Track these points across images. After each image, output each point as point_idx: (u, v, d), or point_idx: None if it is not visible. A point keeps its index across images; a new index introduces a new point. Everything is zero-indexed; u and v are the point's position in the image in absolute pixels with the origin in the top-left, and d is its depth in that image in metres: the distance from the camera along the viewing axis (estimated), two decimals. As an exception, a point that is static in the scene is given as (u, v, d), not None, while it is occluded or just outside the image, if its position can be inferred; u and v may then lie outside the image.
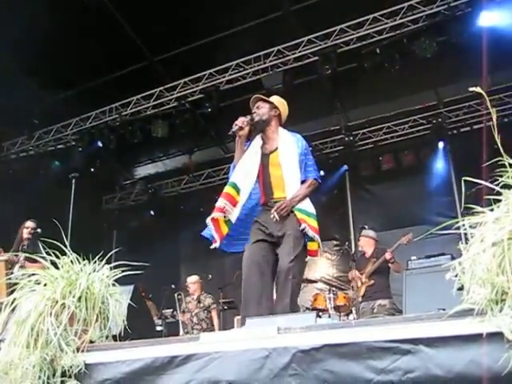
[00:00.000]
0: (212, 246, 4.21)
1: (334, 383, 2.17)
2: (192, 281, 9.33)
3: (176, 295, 9.64)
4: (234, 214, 4.19)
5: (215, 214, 4.13)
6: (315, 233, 4.16)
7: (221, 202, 4.13)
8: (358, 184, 11.78)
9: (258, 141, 4.47)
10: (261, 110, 4.49)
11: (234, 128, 4.31)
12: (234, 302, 9.37)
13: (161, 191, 13.35)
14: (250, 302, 4.00)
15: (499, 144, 2.21)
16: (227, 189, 4.20)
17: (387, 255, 7.65)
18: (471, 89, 2.44)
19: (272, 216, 4.09)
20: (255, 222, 4.30)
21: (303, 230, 4.09)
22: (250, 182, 4.29)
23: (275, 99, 4.62)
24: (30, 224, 6.79)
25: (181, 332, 8.97)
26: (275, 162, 4.34)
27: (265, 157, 4.39)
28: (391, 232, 10.25)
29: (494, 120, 2.25)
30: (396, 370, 2.07)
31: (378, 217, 10.97)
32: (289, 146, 4.37)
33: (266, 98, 4.59)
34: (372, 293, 7.73)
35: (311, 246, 4.20)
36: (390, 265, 7.69)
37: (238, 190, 4.20)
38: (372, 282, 7.74)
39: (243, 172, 4.28)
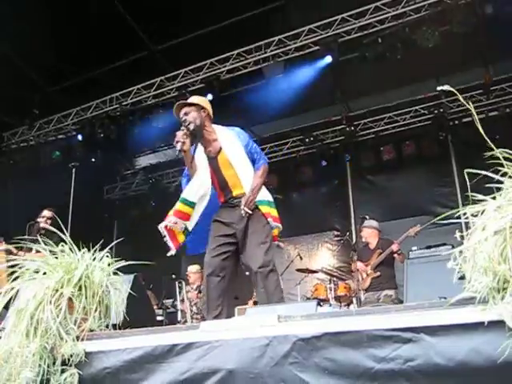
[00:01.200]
0: (168, 254, 4.30)
1: (335, 371, 2.16)
2: (193, 270, 9.35)
3: (177, 283, 9.66)
4: (190, 224, 4.31)
5: (166, 224, 4.26)
6: (277, 222, 4.33)
7: (171, 219, 4.26)
8: (358, 174, 11.77)
9: (200, 148, 4.46)
10: (190, 116, 4.39)
11: (179, 146, 4.23)
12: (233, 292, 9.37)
13: (162, 181, 13.35)
14: (210, 308, 4.17)
15: (485, 136, 2.19)
16: (178, 205, 4.31)
17: (394, 247, 7.65)
18: (439, 88, 2.44)
19: (243, 212, 4.16)
20: (215, 220, 4.38)
21: (269, 223, 4.26)
22: (207, 189, 4.37)
23: (197, 99, 4.54)
24: (45, 213, 6.78)
25: (179, 320, 9.00)
26: (224, 162, 4.35)
27: (212, 160, 4.41)
28: (392, 223, 10.26)
29: (472, 115, 2.23)
30: (397, 358, 2.06)
31: (378, 207, 10.96)
32: (232, 143, 4.38)
33: (190, 102, 4.49)
34: (378, 283, 7.74)
35: (273, 232, 4.33)
36: (395, 256, 7.69)
37: (189, 204, 4.30)
38: (378, 273, 7.74)
39: (196, 183, 4.32)
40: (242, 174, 4.31)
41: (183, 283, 9.57)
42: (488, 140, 2.19)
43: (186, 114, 4.41)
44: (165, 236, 4.26)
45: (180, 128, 4.37)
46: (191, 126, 4.33)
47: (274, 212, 4.34)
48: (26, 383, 2.68)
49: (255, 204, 4.24)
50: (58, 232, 3.23)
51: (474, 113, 2.30)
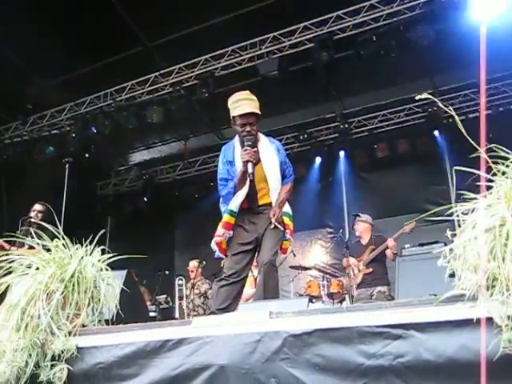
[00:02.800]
0: (222, 264, 4.58)
1: (325, 367, 2.18)
2: (190, 266, 9.40)
3: (177, 280, 9.68)
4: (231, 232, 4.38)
5: (217, 239, 4.31)
6: (290, 235, 4.44)
7: (220, 231, 4.29)
8: (352, 172, 11.80)
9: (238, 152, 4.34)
10: (255, 129, 4.24)
11: (251, 168, 4.12)
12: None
13: (156, 177, 13.33)
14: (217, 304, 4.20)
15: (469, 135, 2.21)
16: (226, 218, 4.30)
17: (390, 243, 7.68)
18: (418, 97, 2.48)
19: (272, 226, 4.18)
20: (238, 226, 4.36)
21: (285, 234, 4.37)
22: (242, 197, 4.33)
23: (256, 105, 4.27)
24: (36, 207, 6.75)
25: (176, 316, 9.02)
26: (260, 175, 4.29)
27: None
28: (385, 220, 10.30)
29: (455, 118, 2.25)
30: (387, 354, 2.08)
31: (372, 204, 10.98)
32: (270, 157, 4.34)
33: (258, 112, 4.25)
34: (371, 280, 7.79)
35: (285, 244, 4.44)
36: (388, 252, 7.71)
37: (234, 214, 4.30)
38: (370, 269, 7.78)
39: (242, 195, 4.27)
40: (273, 188, 4.33)
41: (183, 280, 9.60)
42: (471, 140, 2.21)
43: (251, 124, 4.21)
44: (216, 251, 4.36)
45: (244, 142, 4.19)
46: (255, 140, 4.24)
47: (291, 225, 4.45)
48: (7, 379, 2.69)
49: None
50: (49, 226, 3.23)
51: (456, 116, 2.30)
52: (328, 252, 11.43)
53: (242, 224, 4.34)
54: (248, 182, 4.21)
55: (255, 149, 4.17)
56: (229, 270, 4.27)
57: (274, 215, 4.19)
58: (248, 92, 4.41)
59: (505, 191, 2.07)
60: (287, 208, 4.44)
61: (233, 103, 4.28)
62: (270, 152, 4.35)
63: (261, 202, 4.38)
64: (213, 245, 4.32)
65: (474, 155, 2.19)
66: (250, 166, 4.10)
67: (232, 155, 4.36)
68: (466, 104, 10.37)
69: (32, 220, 6.54)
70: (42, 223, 3.29)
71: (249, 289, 7.83)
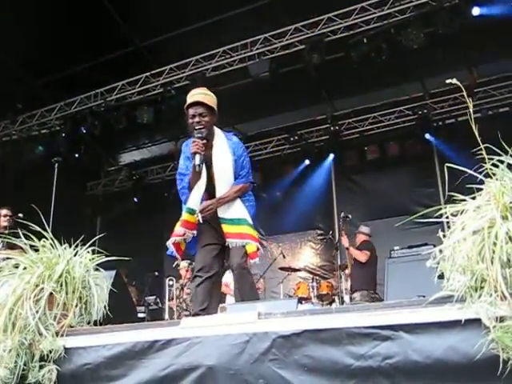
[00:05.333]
0: (175, 264, 4.34)
1: (314, 368, 2.18)
2: (181, 267, 9.40)
3: (167, 280, 9.67)
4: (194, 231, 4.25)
5: (176, 239, 4.16)
6: (250, 239, 4.13)
7: (180, 230, 4.15)
8: (342, 174, 11.82)
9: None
10: (206, 120, 4.11)
11: (198, 160, 3.98)
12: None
13: (146, 178, 13.31)
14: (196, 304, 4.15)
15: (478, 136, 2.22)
16: (186, 216, 4.16)
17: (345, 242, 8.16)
18: (448, 81, 2.46)
19: (195, 216, 4.08)
20: (206, 222, 4.23)
21: (241, 245, 4.12)
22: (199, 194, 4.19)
23: (213, 101, 4.20)
24: (4, 212, 6.71)
25: (166, 317, 9.01)
26: (211, 174, 4.19)
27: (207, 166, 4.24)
28: (375, 222, 10.33)
29: (471, 110, 2.26)
30: (375, 355, 2.08)
31: (362, 206, 11.03)
32: (222, 154, 4.19)
33: (208, 103, 4.13)
34: (352, 283, 7.95)
35: (248, 249, 4.12)
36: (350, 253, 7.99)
37: (194, 212, 4.13)
38: (350, 272, 8.01)
39: (199, 191, 4.12)
40: (220, 186, 4.18)
41: (174, 280, 9.58)
42: (479, 140, 2.22)
43: (201, 115, 4.10)
44: (168, 249, 4.20)
45: (194, 134, 4.09)
46: (205, 133, 4.08)
47: (252, 233, 4.17)
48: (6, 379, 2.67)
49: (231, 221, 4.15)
50: (22, 228, 3.20)
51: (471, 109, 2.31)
52: (318, 254, 11.45)
53: (209, 221, 4.22)
54: (205, 178, 4.10)
55: (204, 141, 4.02)
56: (198, 263, 4.22)
57: (202, 209, 4.06)
58: (205, 88, 4.41)
59: (494, 193, 2.07)
60: (244, 215, 4.18)
61: (188, 97, 4.22)
62: (222, 148, 4.21)
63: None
64: (169, 243, 4.16)
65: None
66: (197, 157, 3.98)
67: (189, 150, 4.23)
68: (455, 107, 10.42)
69: (3, 224, 6.51)
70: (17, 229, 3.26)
71: None
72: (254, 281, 4.35)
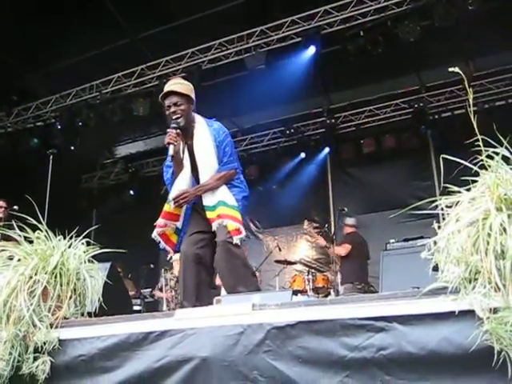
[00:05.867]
0: (168, 258, 4.26)
1: (308, 359, 2.18)
2: (176, 258, 9.37)
3: (162, 271, 9.66)
4: (181, 223, 4.21)
5: (158, 230, 4.15)
6: (228, 219, 3.97)
7: (160, 222, 4.13)
8: (338, 167, 11.82)
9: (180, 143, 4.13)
10: (181, 109, 4.04)
11: (171, 150, 3.94)
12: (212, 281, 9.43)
13: (141, 171, 13.28)
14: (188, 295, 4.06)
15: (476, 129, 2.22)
16: (166, 207, 4.14)
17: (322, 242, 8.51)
18: (451, 69, 2.45)
19: (170, 203, 4.05)
20: (194, 210, 4.22)
21: (222, 224, 3.97)
22: (190, 182, 4.14)
23: (186, 89, 4.13)
24: (0, 203, 6.70)
25: (164, 308, 9.00)
26: (193, 159, 4.16)
27: (190, 154, 4.20)
28: (370, 215, 10.36)
29: (471, 102, 2.26)
30: (369, 347, 2.09)
31: (357, 199, 11.03)
32: (203, 141, 4.12)
33: (181, 91, 4.07)
34: (341, 277, 8.06)
35: (230, 227, 3.95)
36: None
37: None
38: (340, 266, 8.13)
39: (182, 182, 4.08)
40: (203, 174, 4.12)
41: (167, 271, 9.56)
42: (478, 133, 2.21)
43: (176, 104, 4.05)
44: (159, 242, 4.17)
45: (169, 125, 4.02)
46: (182, 122, 4.03)
47: (232, 213, 4.03)
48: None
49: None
50: (17, 220, 3.19)
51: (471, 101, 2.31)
52: (314, 247, 11.45)
53: (197, 209, 4.19)
54: (188, 168, 4.09)
55: (177, 130, 3.95)
56: (184, 255, 4.16)
57: (175, 197, 4.00)
58: (179, 78, 4.49)
59: (489, 185, 2.07)
60: (224, 198, 4.05)
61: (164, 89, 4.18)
62: (203, 136, 4.13)
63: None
64: (155, 235, 4.14)
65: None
66: (170, 148, 3.92)
67: None
68: (451, 101, 10.42)
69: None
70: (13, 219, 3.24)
71: None
72: (245, 257, 4.20)
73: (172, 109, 4.05)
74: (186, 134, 4.12)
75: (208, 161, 4.11)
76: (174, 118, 4.04)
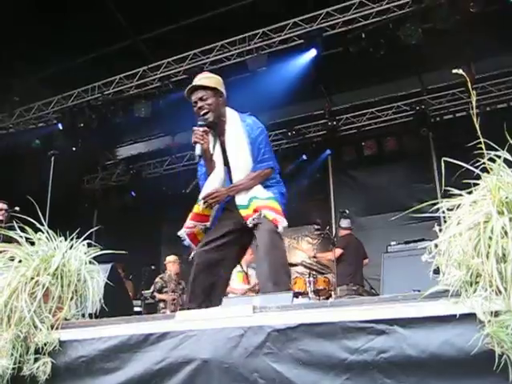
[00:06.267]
0: (191, 257, 3.95)
1: (309, 362, 2.18)
2: (171, 260, 9.40)
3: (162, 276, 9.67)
4: (210, 222, 3.95)
5: (186, 231, 3.91)
6: (265, 209, 3.68)
7: (189, 224, 3.90)
8: (340, 169, 11.83)
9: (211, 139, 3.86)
10: (208, 103, 3.77)
11: (199, 150, 3.69)
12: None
13: (143, 172, 13.30)
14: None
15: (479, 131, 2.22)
16: (196, 208, 3.88)
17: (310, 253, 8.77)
18: (454, 71, 2.45)
19: (198, 204, 3.82)
20: (227, 210, 3.96)
21: (261, 216, 3.68)
22: (223, 181, 3.88)
23: (214, 81, 3.87)
24: (0, 205, 6.69)
25: (167, 311, 9.01)
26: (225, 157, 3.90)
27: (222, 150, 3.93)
28: (372, 217, 10.36)
29: (474, 104, 2.26)
30: (370, 349, 2.08)
31: (359, 202, 11.04)
32: (235, 138, 3.83)
33: (207, 85, 3.80)
34: (336, 279, 8.11)
35: (268, 216, 3.65)
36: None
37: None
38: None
39: (213, 181, 3.82)
40: (235, 174, 3.85)
41: (165, 274, 9.58)
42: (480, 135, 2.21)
43: (202, 99, 3.78)
44: (184, 239, 3.95)
45: (197, 122, 3.77)
46: (210, 117, 3.77)
47: (274, 205, 3.73)
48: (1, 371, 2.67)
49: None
50: (18, 222, 3.19)
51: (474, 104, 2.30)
52: (315, 249, 11.42)
53: (229, 207, 3.91)
54: (221, 166, 3.82)
55: (203, 128, 3.72)
56: (197, 258, 3.87)
57: (205, 196, 3.75)
58: (205, 72, 4.14)
59: (490, 188, 2.07)
60: (257, 193, 3.76)
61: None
62: (236, 132, 3.84)
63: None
64: (182, 234, 3.92)
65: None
66: (197, 147, 3.69)
67: None
68: (453, 103, 10.42)
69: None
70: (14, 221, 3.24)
71: (241, 284, 7.87)
72: (284, 251, 3.85)
73: (198, 104, 3.78)
74: (218, 129, 3.85)
75: (241, 159, 3.83)
76: (201, 114, 3.78)
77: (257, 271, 4.04)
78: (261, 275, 3.75)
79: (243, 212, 3.75)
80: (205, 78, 3.88)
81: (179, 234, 3.95)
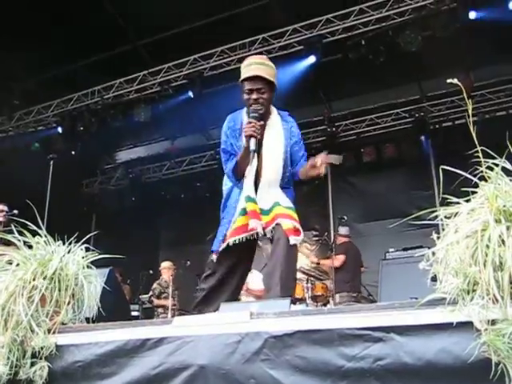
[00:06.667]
0: (210, 259, 3.78)
1: (306, 369, 2.17)
2: (166, 266, 9.42)
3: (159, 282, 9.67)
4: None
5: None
6: (282, 217, 3.64)
7: (252, 223, 3.54)
8: (339, 175, 11.81)
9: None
10: (264, 97, 3.55)
11: (253, 145, 3.44)
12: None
13: (142, 176, 13.30)
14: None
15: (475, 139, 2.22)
16: (250, 206, 3.56)
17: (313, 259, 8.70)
18: (449, 80, 2.46)
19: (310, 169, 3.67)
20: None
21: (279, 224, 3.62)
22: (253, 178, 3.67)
23: (271, 72, 3.60)
24: (1, 207, 6.69)
25: (169, 316, 9.01)
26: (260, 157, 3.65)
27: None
28: (370, 224, 10.36)
29: (470, 113, 2.27)
30: (367, 357, 2.08)
31: (357, 208, 11.05)
32: (276, 135, 3.68)
33: (269, 77, 3.56)
34: (335, 286, 8.12)
35: (284, 225, 3.59)
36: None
37: (254, 200, 3.59)
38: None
39: (249, 176, 3.60)
40: (266, 178, 3.67)
41: (163, 279, 9.59)
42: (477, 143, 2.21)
43: (260, 91, 3.55)
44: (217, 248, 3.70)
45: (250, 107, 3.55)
46: (263, 111, 3.54)
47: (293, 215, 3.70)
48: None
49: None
50: (16, 225, 3.19)
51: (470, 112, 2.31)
52: (313, 255, 11.43)
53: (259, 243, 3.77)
54: (255, 163, 3.55)
55: (261, 122, 3.50)
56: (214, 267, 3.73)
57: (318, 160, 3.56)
58: (264, 57, 3.90)
59: (488, 196, 2.08)
60: (282, 200, 3.68)
61: (244, 67, 3.66)
62: (276, 131, 3.68)
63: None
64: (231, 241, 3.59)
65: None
66: (252, 141, 3.44)
67: (240, 126, 3.67)
68: (452, 110, 10.45)
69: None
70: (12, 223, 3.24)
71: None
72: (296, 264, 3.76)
73: (254, 95, 3.55)
74: (262, 127, 3.61)
75: (275, 159, 3.67)
76: (254, 106, 3.55)
77: (265, 279, 3.78)
78: (269, 283, 3.61)
79: (265, 218, 3.60)
80: (267, 67, 3.63)
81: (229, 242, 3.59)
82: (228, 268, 3.73)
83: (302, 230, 3.62)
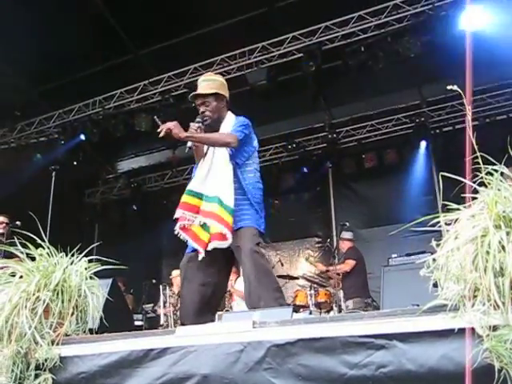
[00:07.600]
0: (199, 258, 3.80)
1: (308, 377, 2.18)
2: (175, 275, 9.38)
3: (161, 287, 9.64)
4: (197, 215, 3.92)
5: (179, 224, 3.90)
6: (215, 219, 3.78)
7: (178, 213, 3.92)
8: (340, 181, 11.83)
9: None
10: (209, 108, 3.97)
11: (190, 143, 3.83)
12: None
13: (144, 186, 13.31)
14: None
15: (474, 144, 2.23)
16: (183, 197, 3.96)
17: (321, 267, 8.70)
18: (449, 87, 2.47)
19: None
20: None
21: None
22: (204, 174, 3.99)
23: (217, 86, 4.03)
24: (1, 219, 6.70)
25: (161, 323, 8.99)
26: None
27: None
28: (372, 230, 10.35)
29: (469, 119, 2.28)
30: (369, 364, 2.09)
31: (359, 214, 11.03)
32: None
33: (206, 92, 3.98)
34: (345, 292, 8.06)
35: (213, 229, 3.80)
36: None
37: (195, 195, 3.92)
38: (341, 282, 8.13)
39: (202, 173, 3.97)
40: (213, 173, 3.95)
41: (167, 287, 9.55)
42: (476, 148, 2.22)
43: (204, 104, 3.98)
44: (186, 240, 3.92)
45: (195, 119, 3.94)
46: (208, 121, 3.95)
47: (224, 217, 3.76)
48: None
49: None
50: (18, 236, 3.20)
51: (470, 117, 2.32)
52: (316, 261, 11.43)
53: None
54: (209, 160, 3.95)
55: (198, 124, 3.84)
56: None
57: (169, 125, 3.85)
58: (210, 73, 4.38)
59: (487, 202, 2.08)
60: (225, 195, 3.78)
61: None
62: (224, 130, 4.02)
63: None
64: (177, 230, 3.94)
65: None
66: (189, 141, 3.85)
67: None
68: (453, 115, 10.45)
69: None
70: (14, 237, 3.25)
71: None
72: (267, 267, 3.97)
73: (201, 109, 4.00)
74: (212, 130, 3.98)
75: (222, 157, 3.92)
76: (200, 116, 3.97)
77: (246, 302, 3.87)
78: (251, 304, 3.70)
79: (204, 206, 3.87)
80: (206, 83, 4.05)
81: (175, 232, 3.95)
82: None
83: (229, 236, 3.72)
